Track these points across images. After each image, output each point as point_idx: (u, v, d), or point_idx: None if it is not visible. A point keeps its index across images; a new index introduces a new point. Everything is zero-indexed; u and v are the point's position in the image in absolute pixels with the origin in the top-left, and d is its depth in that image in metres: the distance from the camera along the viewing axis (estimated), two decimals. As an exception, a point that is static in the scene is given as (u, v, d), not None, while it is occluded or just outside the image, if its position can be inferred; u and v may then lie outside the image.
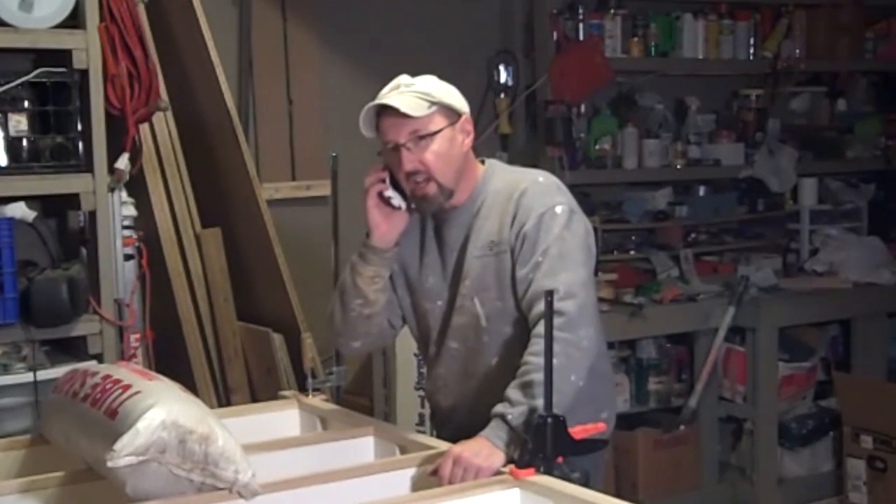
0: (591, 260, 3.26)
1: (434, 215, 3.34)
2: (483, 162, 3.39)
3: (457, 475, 2.93)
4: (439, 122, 3.19)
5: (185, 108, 5.09)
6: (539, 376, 2.92)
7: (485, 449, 2.98)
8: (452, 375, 3.35)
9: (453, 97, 3.24)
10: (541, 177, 3.31)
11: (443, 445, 3.13)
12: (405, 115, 3.13)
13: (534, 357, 3.01)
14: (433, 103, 3.17)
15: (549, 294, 2.88)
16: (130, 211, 4.60)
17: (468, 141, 3.27)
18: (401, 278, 3.39)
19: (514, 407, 3.00)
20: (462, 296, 3.28)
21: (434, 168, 3.18)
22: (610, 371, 3.57)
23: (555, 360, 2.87)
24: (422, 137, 3.16)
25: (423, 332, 3.43)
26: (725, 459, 6.47)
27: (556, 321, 2.93)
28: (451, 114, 3.22)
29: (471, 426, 3.11)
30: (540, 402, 2.91)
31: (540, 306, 2.97)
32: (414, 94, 3.17)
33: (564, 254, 3.15)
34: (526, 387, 3.01)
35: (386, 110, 3.16)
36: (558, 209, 3.19)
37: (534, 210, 3.18)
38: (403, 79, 3.25)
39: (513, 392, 3.03)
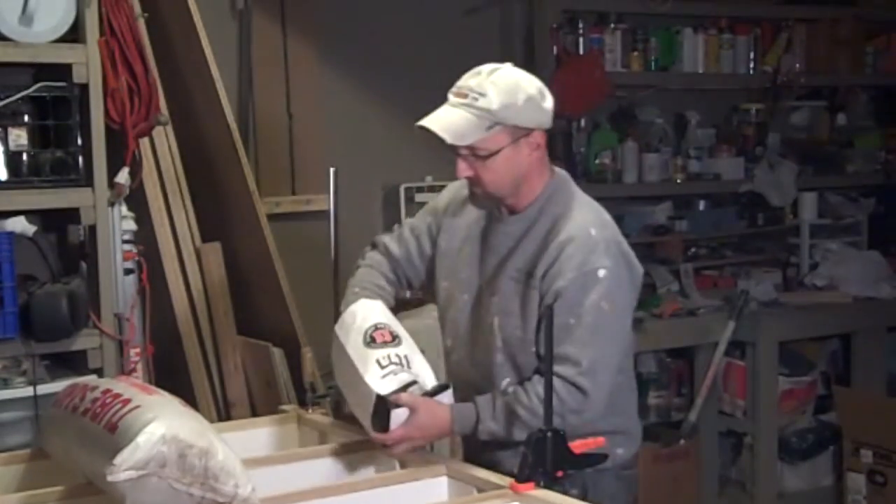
0: (626, 334, 3.18)
1: (492, 211, 3.27)
2: (553, 171, 3.25)
3: (397, 447, 3.08)
4: (500, 140, 3.05)
5: (185, 123, 5.09)
6: (524, 414, 3.04)
7: (435, 430, 3.09)
8: (461, 373, 3.33)
9: (526, 113, 3.06)
10: (594, 229, 3.10)
11: (441, 462, 3.13)
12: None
13: (529, 395, 3.05)
14: (495, 124, 3.03)
15: (549, 308, 2.88)
16: (130, 225, 4.60)
17: (536, 154, 3.14)
18: (444, 260, 3.35)
19: (490, 421, 3.07)
20: (486, 310, 3.22)
21: (487, 183, 3.11)
22: (633, 406, 3.42)
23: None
24: (481, 155, 3.06)
25: (440, 312, 3.42)
26: (725, 474, 6.46)
27: (569, 391, 3.01)
28: (518, 130, 3.07)
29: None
30: (511, 433, 3.07)
31: (555, 367, 2.92)
32: (475, 112, 3.02)
33: (599, 327, 3.05)
34: (510, 413, 3.06)
35: None
36: (601, 273, 3.05)
37: (574, 266, 3.05)
38: (479, 79, 3.06)
39: (498, 408, 3.08)
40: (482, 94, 3.03)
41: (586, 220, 3.14)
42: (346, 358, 3.15)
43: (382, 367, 3.06)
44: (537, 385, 3.00)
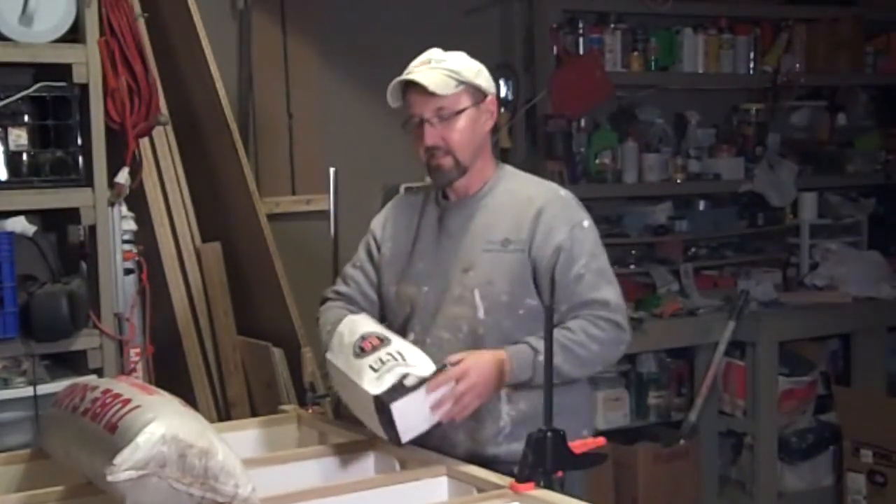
0: None
1: (438, 201, 3.43)
2: (499, 162, 3.47)
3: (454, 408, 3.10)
4: (465, 100, 3.28)
5: (185, 123, 5.09)
6: (579, 350, 3.21)
7: (489, 387, 3.15)
8: (440, 358, 3.33)
9: (482, 77, 3.32)
10: (561, 190, 3.40)
11: (441, 462, 3.13)
12: (432, 93, 3.21)
13: (576, 332, 3.22)
14: (461, 82, 3.26)
15: (549, 309, 2.93)
16: (130, 225, 4.60)
17: (490, 122, 3.38)
18: (392, 267, 3.45)
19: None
20: (462, 286, 3.31)
21: (455, 145, 3.27)
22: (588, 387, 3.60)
23: (598, 347, 3.22)
24: (446, 115, 3.25)
25: (401, 319, 3.43)
26: (725, 474, 6.46)
27: (613, 329, 3.25)
28: (478, 93, 3.31)
29: (458, 424, 3.21)
30: (565, 371, 3.19)
31: (589, 310, 3.24)
32: (443, 70, 3.25)
33: (602, 270, 3.31)
34: (563, 348, 3.17)
35: (413, 84, 3.24)
36: (585, 223, 3.33)
37: (562, 222, 3.28)
38: (435, 53, 3.34)
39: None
40: (444, 60, 3.31)
41: (549, 185, 3.47)
42: (343, 377, 3.18)
43: (375, 371, 3.07)
44: (581, 324, 3.24)
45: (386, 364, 3.08)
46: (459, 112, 3.26)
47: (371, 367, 3.08)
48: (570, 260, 3.24)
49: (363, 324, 3.26)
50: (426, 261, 3.38)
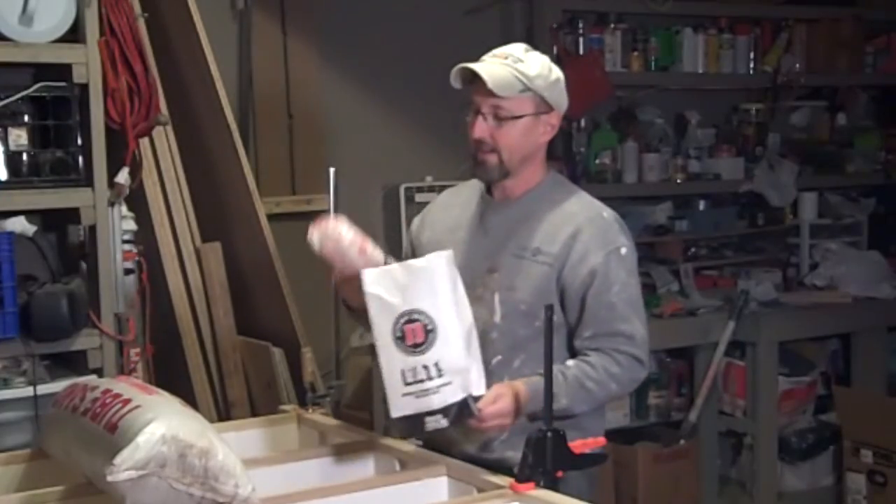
0: None
1: (484, 197, 3.35)
2: (550, 169, 3.38)
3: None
4: (526, 107, 3.19)
5: (185, 123, 5.09)
6: (592, 387, 3.16)
7: (510, 417, 3.08)
8: None
9: (555, 90, 3.24)
10: (605, 212, 3.29)
11: (442, 462, 3.13)
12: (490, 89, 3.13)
13: (597, 369, 3.18)
14: (528, 88, 3.17)
15: (549, 308, 2.91)
16: (130, 225, 4.60)
17: (548, 135, 3.28)
18: (429, 250, 3.29)
19: (563, 396, 3.09)
20: (485, 286, 3.24)
21: (503, 147, 3.19)
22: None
23: (615, 386, 3.21)
24: (502, 116, 3.17)
25: None
26: (725, 474, 6.46)
27: (630, 364, 3.24)
28: (543, 104, 3.22)
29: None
30: (575, 407, 3.14)
31: (613, 343, 3.20)
32: (514, 71, 3.15)
33: (634, 301, 3.25)
34: (580, 387, 3.14)
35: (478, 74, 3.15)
36: (623, 251, 3.23)
37: (600, 246, 3.20)
38: (516, 49, 3.23)
39: (570, 381, 3.12)
40: (521, 60, 3.18)
41: (594, 204, 3.32)
42: (373, 332, 3.04)
43: (406, 385, 2.98)
44: (603, 360, 3.18)
45: (416, 384, 2.97)
46: (517, 118, 3.18)
47: (402, 374, 2.97)
48: (603, 286, 3.18)
49: (432, 280, 3.02)
50: (459, 254, 3.24)
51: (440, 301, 2.98)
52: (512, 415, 3.07)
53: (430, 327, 2.96)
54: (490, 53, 3.22)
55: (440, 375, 2.96)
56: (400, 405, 2.99)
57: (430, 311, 2.97)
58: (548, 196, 3.29)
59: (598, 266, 3.17)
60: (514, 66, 3.16)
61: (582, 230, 3.20)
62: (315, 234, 3.15)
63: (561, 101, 3.26)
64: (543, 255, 3.20)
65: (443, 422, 2.98)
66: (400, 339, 2.97)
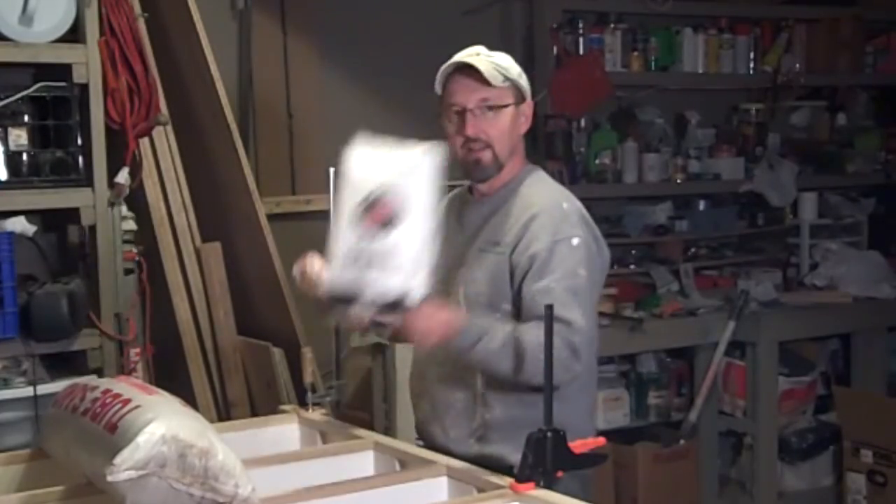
0: (595, 313, 3.27)
1: (462, 198, 3.41)
2: (527, 161, 3.41)
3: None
4: (509, 97, 3.25)
5: (185, 123, 5.09)
6: (525, 352, 3.03)
7: (439, 332, 3.05)
8: (427, 359, 3.37)
9: (523, 79, 3.31)
10: (566, 203, 3.26)
11: (442, 460, 3.13)
12: (480, 82, 3.19)
13: (532, 333, 3.03)
14: (507, 78, 3.23)
15: (549, 308, 2.88)
16: (130, 225, 4.60)
17: (525, 126, 3.33)
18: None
19: (497, 342, 3.06)
20: (455, 282, 3.29)
21: (495, 139, 3.24)
22: (585, 404, 3.39)
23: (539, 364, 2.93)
24: (491, 108, 3.22)
25: None
26: (725, 474, 6.46)
27: (567, 351, 3.02)
28: (519, 94, 3.29)
29: (434, 417, 3.26)
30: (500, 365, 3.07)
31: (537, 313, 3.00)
32: (492, 64, 3.23)
33: (578, 291, 3.13)
34: (517, 343, 3.06)
35: (460, 72, 3.22)
36: (575, 241, 3.17)
37: (548, 233, 3.16)
38: (481, 48, 3.31)
39: (507, 334, 3.08)
40: (491, 55, 3.28)
41: (557, 195, 3.31)
42: (338, 202, 3.10)
43: (344, 261, 3.01)
44: (537, 329, 2.95)
45: (356, 264, 2.99)
46: (504, 107, 3.23)
47: (348, 251, 3.02)
48: (541, 271, 3.12)
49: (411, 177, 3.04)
50: (441, 255, 3.23)
51: (419, 192, 3.00)
52: (441, 330, 3.04)
53: (389, 218, 2.97)
54: (458, 55, 3.29)
55: (391, 260, 2.96)
56: (333, 279, 3.04)
57: (405, 198, 2.99)
58: (519, 189, 3.32)
59: (541, 251, 3.14)
60: (490, 59, 3.24)
61: (535, 218, 3.20)
62: (296, 271, 3.34)
63: (528, 90, 3.33)
64: (500, 245, 3.24)
65: (372, 309, 2.96)
66: (364, 213, 3.01)
